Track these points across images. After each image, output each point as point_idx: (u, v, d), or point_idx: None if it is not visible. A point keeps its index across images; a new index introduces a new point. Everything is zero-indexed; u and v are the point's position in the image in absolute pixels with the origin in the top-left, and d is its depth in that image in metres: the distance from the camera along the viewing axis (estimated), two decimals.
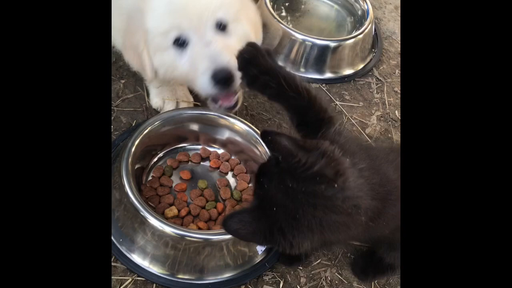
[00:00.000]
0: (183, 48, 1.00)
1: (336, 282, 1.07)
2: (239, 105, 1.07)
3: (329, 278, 1.07)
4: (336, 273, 1.09)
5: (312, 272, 1.08)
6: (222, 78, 0.96)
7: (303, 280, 1.06)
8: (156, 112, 1.25)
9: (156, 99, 1.24)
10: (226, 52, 0.97)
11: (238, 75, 0.90)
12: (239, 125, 1.14)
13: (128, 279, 0.99)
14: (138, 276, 0.99)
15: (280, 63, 1.47)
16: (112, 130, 1.22)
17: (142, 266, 0.99)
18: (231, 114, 1.15)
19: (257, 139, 1.12)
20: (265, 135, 0.73)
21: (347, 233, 0.74)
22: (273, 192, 0.73)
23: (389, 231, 0.83)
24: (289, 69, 0.83)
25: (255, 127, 1.15)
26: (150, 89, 1.27)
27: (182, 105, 1.22)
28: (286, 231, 0.71)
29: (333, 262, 1.11)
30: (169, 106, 1.22)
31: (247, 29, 1.04)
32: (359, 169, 0.74)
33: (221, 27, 1.01)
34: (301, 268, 1.08)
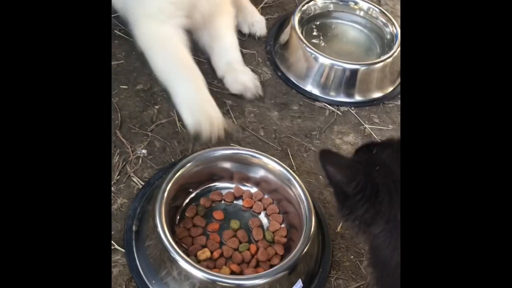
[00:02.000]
0: None
1: None
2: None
3: None
4: None
5: None
6: None
7: None
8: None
9: (190, 120, 1.23)
10: None
11: None
12: (273, 164, 1.14)
13: None
14: None
15: (310, 86, 1.51)
16: (146, 155, 1.26)
17: None
18: (265, 154, 1.15)
19: (290, 179, 1.12)
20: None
21: None
22: (382, 155, 0.71)
23: None
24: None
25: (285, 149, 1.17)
26: (181, 108, 1.25)
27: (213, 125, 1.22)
28: (380, 189, 0.68)
29: None
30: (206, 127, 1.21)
31: None
32: None
33: None
34: None
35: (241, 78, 1.44)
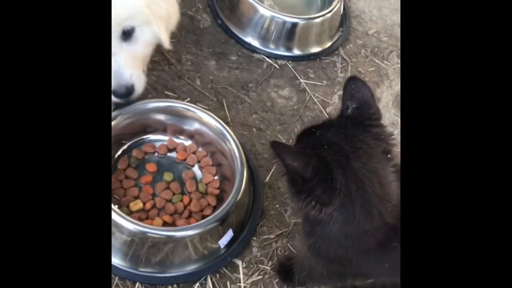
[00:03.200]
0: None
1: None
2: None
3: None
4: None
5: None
6: (121, 94, 1.04)
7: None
8: None
9: None
10: (129, 64, 1.02)
11: (138, 84, 1.04)
12: (207, 118, 1.14)
13: None
14: None
15: (251, 38, 1.50)
16: None
17: None
18: (199, 107, 1.15)
19: (224, 133, 1.13)
20: (351, 79, 0.76)
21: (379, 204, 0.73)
22: (328, 136, 0.73)
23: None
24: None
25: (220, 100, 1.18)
26: None
27: None
28: (333, 166, 0.70)
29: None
30: None
31: (156, 30, 1.03)
32: None
33: (127, 35, 1.01)
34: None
35: None
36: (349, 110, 0.75)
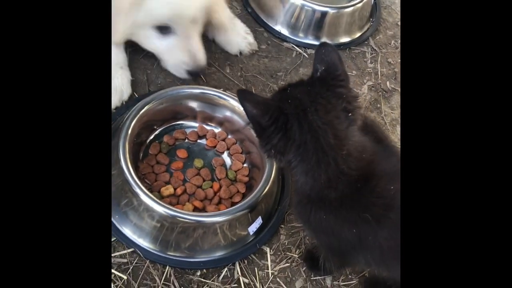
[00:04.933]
0: (165, 34, 1.13)
1: None
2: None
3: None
4: None
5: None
6: (195, 73, 1.18)
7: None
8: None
9: None
10: (201, 49, 1.16)
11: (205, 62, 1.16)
12: (238, 105, 1.14)
13: (124, 252, 1.03)
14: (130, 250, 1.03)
15: (280, 27, 1.49)
16: None
17: (134, 241, 1.02)
18: (231, 94, 1.15)
19: None
20: (322, 45, 0.81)
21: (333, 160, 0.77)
22: (294, 92, 0.78)
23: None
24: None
25: (250, 88, 1.25)
26: None
27: None
28: (290, 118, 0.76)
29: None
30: None
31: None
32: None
33: (194, 22, 1.13)
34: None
35: (234, 39, 1.40)
36: (318, 72, 0.80)
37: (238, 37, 1.38)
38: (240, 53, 1.41)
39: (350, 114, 0.79)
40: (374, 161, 0.81)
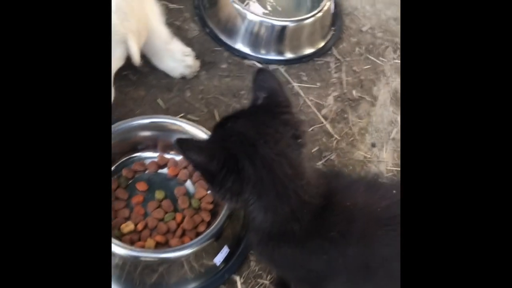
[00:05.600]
0: None
1: None
2: None
3: None
4: None
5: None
6: None
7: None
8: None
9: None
10: None
11: None
12: (193, 130, 1.11)
13: None
14: None
15: (241, 45, 1.47)
16: None
17: None
18: (183, 120, 1.13)
19: None
20: (260, 71, 0.78)
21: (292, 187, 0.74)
22: (236, 126, 0.74)
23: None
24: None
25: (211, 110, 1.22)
26: None
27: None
28: (239, 156, 0.71)
29: None
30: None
31: (131, 46, 1.07)
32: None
33: None
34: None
35: (171, 65, 1.36)
36: (259, 100, 0.77)
37: (174, 62, 1.34)
38: (184, 77, 1.37)
39: (299, 140, 0.76)
40: (327, 182, 0.79)
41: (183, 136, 1.11)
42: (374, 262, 0.75)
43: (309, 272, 0.81)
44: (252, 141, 0.72)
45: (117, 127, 1.07)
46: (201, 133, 1.10)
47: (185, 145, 0.73)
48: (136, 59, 1.04)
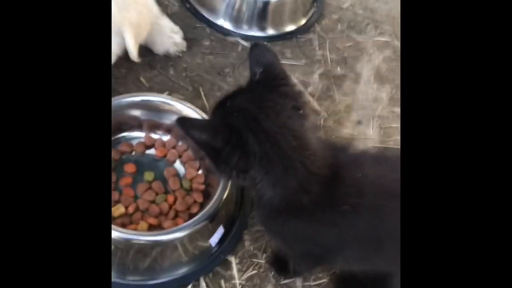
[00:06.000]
0: None
1: None
2: None
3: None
4: None
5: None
6: None
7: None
8: None
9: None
10: None
11: None
12: (186, 110, 1.06)
13: None
14: None
15: (222, 20, 1.42)
16: None
17: None
18: (177, 99, 1.08)
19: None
20: (254, 46, 0.76)
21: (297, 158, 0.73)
22: (236, 102, 0.73)
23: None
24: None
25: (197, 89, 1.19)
26: None
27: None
28: (242, 131, 0.70)
29: None
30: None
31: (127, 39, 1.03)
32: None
33: None
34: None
35: (158, 40, 1.30)
36: (257, 75, 0.76)
37: (163, 37, 1.29)
38: (167, 54, 1.32)
39: (300, 111, 0.74)
40: (334, 154, 0.77)
41: (172, 116, 1.08)
42: (386, 234, 0.75)
43: (319, 245, 0.81)
44: (253, 115, 0.71)
45: None
46: (193, 112, 1.06)
47: (187, 123, 0.72)
48: (133, 54, 0.99)
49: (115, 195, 1.01)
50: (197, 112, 1.06)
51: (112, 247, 0.91)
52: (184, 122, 0.72)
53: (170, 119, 1.10)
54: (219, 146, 0.70)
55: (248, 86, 0.77)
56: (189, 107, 1.07)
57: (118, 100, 1.04)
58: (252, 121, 0.71)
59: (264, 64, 0.75)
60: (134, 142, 1.10)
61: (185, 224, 0.95)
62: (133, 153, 1.09)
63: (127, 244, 0.91)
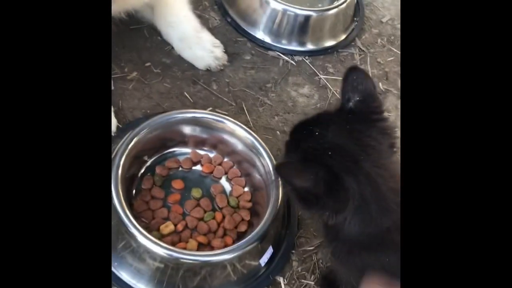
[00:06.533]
0: None
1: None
2: None
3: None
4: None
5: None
6: None
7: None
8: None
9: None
10: None
11: None
12: (233, 126, 1.06)
13: None
14: None
15: (262, 34, 1.41)
16: None
17: (133, 286, 0.93)
18: (229, 118, 1.08)
19: (253, 142, 1.05)
20: (352, 70, 0.70)
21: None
22: (330, 137, 0.68)
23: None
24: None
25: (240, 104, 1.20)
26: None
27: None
28: (343, 175, 0.65)
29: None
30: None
31: None
32: None
33: None
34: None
35: (199, 54, 1.29)
36: (351, 103, 0.70)
37: (203, 51, 1.28)
38: (208, 68, 1.31)
39: (394, 148, 0.70)
40: None
41: (224, 134, 1.07)
42: None
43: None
44: (353, 156, 0.67)
45: (155, 121, 1.01)
46: (244, 132, 1.05)
47: (286, 170, 0.68)
48: None
49: (164, 212, 1.00)
50: (247, 131, 1.05)
51: (162, 265, 0.90)
52: (282, 168, 0.68)
53: (217, 136, 1.08)
54: (319, 194, 0.66)
55: (340, 114, 0.72)
56: (240, 126, 1.06)
57: (167, 117, 1.03)
58: (352, 164, 0.66)
59: (362, 93, 0.70)
60: (181, 158, 1.09)
61: (236, 245, 0.93)
62: (180, 169, 1.08)
63: (177, 262, 0.89)
